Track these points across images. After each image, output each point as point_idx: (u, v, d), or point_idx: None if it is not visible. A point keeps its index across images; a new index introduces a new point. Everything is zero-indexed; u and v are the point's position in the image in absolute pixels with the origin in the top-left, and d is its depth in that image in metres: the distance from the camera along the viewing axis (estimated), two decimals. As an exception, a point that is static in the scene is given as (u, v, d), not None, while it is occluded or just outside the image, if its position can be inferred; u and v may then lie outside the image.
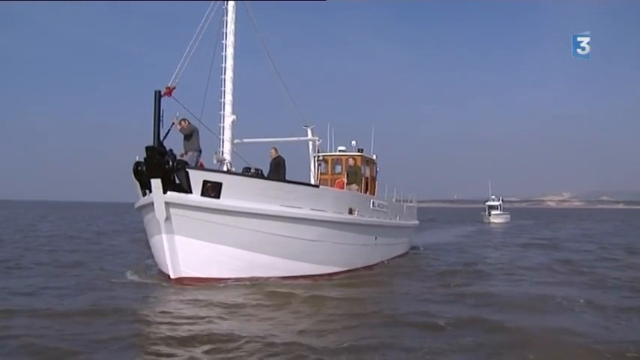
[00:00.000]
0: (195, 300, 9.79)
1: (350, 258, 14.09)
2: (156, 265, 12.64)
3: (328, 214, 12.69)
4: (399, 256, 18.83)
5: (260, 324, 8.32)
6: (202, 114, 13.05)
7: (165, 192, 10.90)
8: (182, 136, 12.38)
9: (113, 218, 53.00)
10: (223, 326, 8.04)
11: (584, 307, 10.04)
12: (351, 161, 16.36)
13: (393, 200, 18.72)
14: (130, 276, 12.56)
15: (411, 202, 22.00)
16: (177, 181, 11.06)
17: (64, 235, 27.13)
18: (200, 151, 12.39)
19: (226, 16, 13.23)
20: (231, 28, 13.26)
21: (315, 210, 12.31)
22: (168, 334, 7.52)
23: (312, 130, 15.30)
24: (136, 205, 12.54)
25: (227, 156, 13.46)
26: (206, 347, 6.92)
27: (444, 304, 10.27)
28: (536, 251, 22.60)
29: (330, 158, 17.85)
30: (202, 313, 8.82)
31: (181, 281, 11.17)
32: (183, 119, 12.31)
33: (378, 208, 15.92)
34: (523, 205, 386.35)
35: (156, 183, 10.85)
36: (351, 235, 13.88)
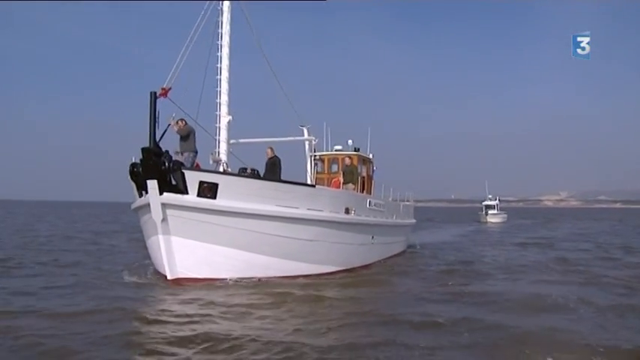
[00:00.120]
0: (192, 300, 9.81)
1: (347, 257, 14.12)
2: (153, 265, 12.65)
3: (325, 214, 12.71)
4: (396, 255, 18.88)
5: (258, 324, 8.34)
6: (198, 115, 13.10)
7: (161, 193, 10.92)
8: (178, 136, 12.40)
9: (112, 218, 52.92)
10: (220, 326, 8.05)
11: (579, 305, 10.09)
12: (347, 160, 16.39)
13: (390, 199, 18.76)
14: (128, 276, 12.56)
15: (407, 201, 22.04)
16: (174, 182, 11.08)
17: (63, 235, 27.08)
18: (196, 152, 12.42)
19: (221, 16, 13.24)
20: (226, 28, 13.26)
21: (311, 210, 12.34)
22: (165, 334, 7.54)
23: (308, 129, 15.33)
24: (133, 207, 12.55)
25: (223, 156, 13.47)
26: (203, 347, 6.94)
27: (441, 303, 10.33)
28: (532, 250, 22.69)
29: (326, 157, 17.87)
30: (199, 313, 8.83)
31: (178, 282, 11.18)
32: (181, 119, 12.34)
33: (374, 208, 15.96)
34: (520, 204, 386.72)
35: (152, 184, 10.87)
36: (348, 235, 13.91)
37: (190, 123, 12.58)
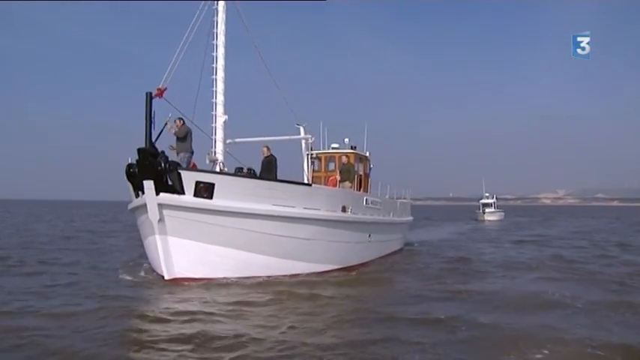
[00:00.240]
0: (190, 299, 9.86)
1: (344, 256, 14.16)
2: (151, 265, 12.68)
3: (321, 213, 12.75)
4: (393, 253, 18.94)
5: (256, 322, 8.37)
6: (194, 114, 13.10)
7: (157, 193, 10.94)
8: (174, 136, 12.43)
9: (111, 217, 52.82)
10: (218, 325, 8.09)
11: (575, 302, 10.17)
12: (344, 159, 16.42)
13: (387, 197, 18.80)
14: (126, 276, 12.58)
15: (404, 198, 22.09)
16: (170, 183, 11.11)
17: (61, 235, 27.06)
18: (192, 153, 12.44)
19: (217, 16, 13.24)
20: (221, 28, 13.26)
21: (308, 209, 12.37)
22: (164, 332, 7.59)
23: (304, 128, 15.35)
24: (130, 207, 12.56)
25: (219, 156, 13.48)
26: (202, 345, 6.99)
27: (438, 301, 10.41)
28: (529, 248, 22.76)
29: (323, 156, 17.90)
30: (197, 311, 8.87)
31: (176, 282, 11.21)
32: (179, 118, 12.37)
33: (371, 206, 15.99)
34: (518, 202, 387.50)
35: (148, 184, 10.89)
36: (345, 233, 13.94)
37: (187, 123, 12.63)
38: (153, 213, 11.03)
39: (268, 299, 10.11)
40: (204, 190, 11.15)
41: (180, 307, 9.23)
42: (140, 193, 11.43)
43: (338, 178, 15.62)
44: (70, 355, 6.59)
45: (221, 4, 13.28)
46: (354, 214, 14.30)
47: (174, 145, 12.50)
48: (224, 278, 11.48)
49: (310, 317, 8.83)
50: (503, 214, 60.94)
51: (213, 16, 13.21)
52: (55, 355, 6.62)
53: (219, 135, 13.49)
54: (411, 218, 23.44)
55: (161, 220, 11.09)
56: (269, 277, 11.92)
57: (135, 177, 11.37)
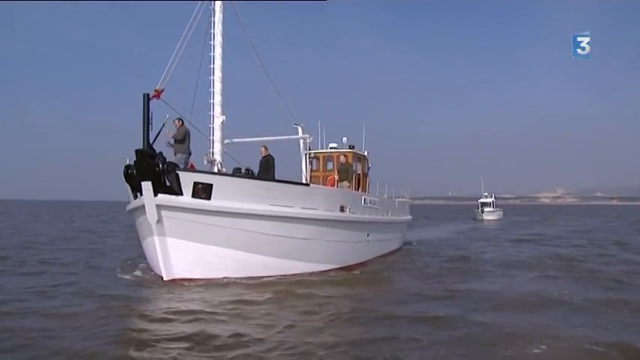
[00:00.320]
0: (189, 299, 9.87)
1: (342, 255, 14.17)
2: (149, 265, 12.69)
3: (319, 213, 12.77)
4: (392, 252, 18.97)
5: (255, 322, 8.35)
6: (192, 115, 13.09)
7: (156, 194, 10.96)
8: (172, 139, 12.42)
9: (111, 217, 52.80)
10: (217, 325, 8.11)
11: (572, 301, 10.23)
12: (342, 158, 16.44)
13: (385, 196, 18.83)
14: (125, 275, 12.61)
15: (403, 197, 22.11)
16: (168, 184, 11.13)
17: (60, 235, 27.02)
18: (189, 154, 12.45)
19: (214, 16, 13.24)
20: (218, 28, 13.25)
21: (306, 208, 12.39)
22: (163, 332, 7.61)
23: (302, 128, 15.35)
24: (128, 208, 12.57)
25: (217, 157, 13.47)
26: (201, 345, 7.01)
27: (436, 300, 10.45)
28: (527, 247, 22.81)
29: (321, 155, 17.91)
30: (196, 312, 8.87)
31: (174, 283, 11.23)
32: (178, 119, 12.37)
33: (369, 205, 16.02)
34: (517, 201, 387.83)
35: (146, 186, 10.92)
36: (343, 233, 13.96)
37: (185, 124, 12.63)
38: (151, 214, 11.05)
39: (267, 299, 10.13)
40: (202, 191, 11.17)
41: (180, 306, 9.25)
42: (138, 194, 11.43)
43: (336, 177, 15.63)
44: (72, 355, 6.62)
45: (218, 4, 13.28)
46: (352, 213, 14.32)
47: (174, 148, 12.49)
48: (223, 278, 11.48)
49: (309, 316, 8.85)
50: (501, 213, 60.99)
51: (210, 17, 13.22)
52: (56, 355, 6.65)
53: (217, 135, 13.48)
54: (409, 217, 23.48)
55: (159, 221, 11.11)
56: (268, 277, 11.92)
57: (133, 178, 11.38)
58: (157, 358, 6.56)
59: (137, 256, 15.07)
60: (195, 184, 11.14)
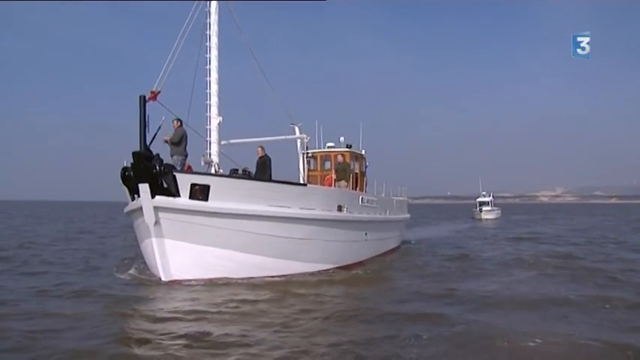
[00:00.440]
0: (188, 299, 9.92)
1: (340, 255, 14.19)
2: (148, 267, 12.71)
3: (317, 212, 12.79)
4: (390, 251, 19.02)
5: (255, 322, 8.37)
6: (189, 116, 13.08)
7: (153, 196, 10.99)
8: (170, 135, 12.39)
9: (110, 218, 52.83)
10: (218, 325, 8.13)
11: (569, 299, 10.32)
12: (340, 158, 16.47)
13: (383, 195, 18.85)
14: (125, 276, 12.66)
15: (401, 196, 22.15)
16: (165, 185, 11.15)
17: (62, 236, 27.03)
18: (186, 156, 12.45)
19: (209, 17, 13.26)
20: (214, 29, 13.26)
21: (303, 209, 12.41)
22: (163, 332, 7.67)
23: (299, 127, 15.38)
24: (126, 210, 12.59)
25: (214, 158, 13.51)
26: (203, 346, 7.03)
27: (436, 298, 10.51)
28: (525, 245, 22.87)
29: (319, 155, 17.94)
30: (196, 312, 8.91)
31: (172, 283, 11.25)
32: (177, 119, 12.36)
33: (367, 204, 16.05)
34: (516, 200, 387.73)
35: (144, 188, 10.95)
36: (341, 232, 13.99)
37: (182, 125, 12.62)
38: (149, 216, 11.08)
39: (266, 299, 10.17)
40: (200, 192, 11.20)
41: (179, 307, 9.29)
42: (136, 196, 11.46)
43: (334, 177, 15.66)
44: (73, 355, 6.68)
45: (213, 5, 13.28)
46: (349, 213, 14.35)
47: (170, 149, 12.48)
48: (221, 279, 11.49)
49: (309, 316, 8.88)
50: (500, 212, 61.05)
51: (206, 18, 13.24)
52: (58, 355, 6.70)
53: (214, 136, 13.50)
54: (407, 215, 23.53)
55: (157, 222, 11.14)
56: (266, 277, 11.94)
57: (130, 180, 11.42)
58: (157, 357, 6.60)
59: (136, 256, 15.09)
60: (193, 185, 11.17)
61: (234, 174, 13.21)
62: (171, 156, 12.17)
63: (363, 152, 19.19)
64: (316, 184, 16.05)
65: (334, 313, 9.12)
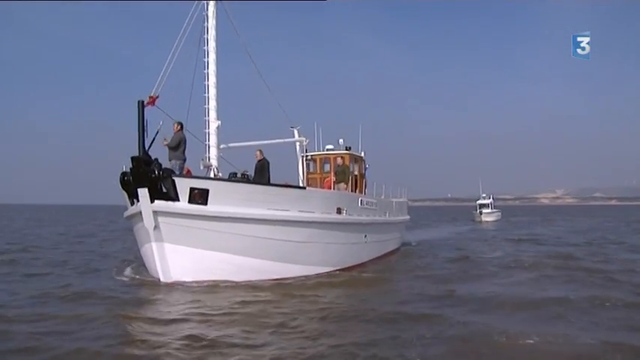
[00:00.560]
0: (187, 303, 9.90)
1: (340, 257, 14.20)
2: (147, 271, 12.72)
3: (316, 215, 12.81)
4: (390, 253, 19.01)
5: (256, 325, 8.35)
6: (187, 120, 13.11)
7: (152, 201, 11.03)
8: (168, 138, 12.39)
9: (111, 221, 52.82)
10: (219, 327, 8.16)
11: (571, 299, 10.34)
12: (339, 160, 16.49)
13: (382, 197, 18.88)
14: (125, 279, 12.71)
15: (401, 197, 22.17)
16: (164, 190, 11.17)
17: (63, 239, 27.02)
18: (184, 160, 12.46)
19: (207, 22, 13.32)
20: (212, 33, 13.34)
21: (302, 212, 12.43)
22: (164, 334, 7.72)
23: (298, 130, 15.40)
24: (125, 215, 12.63)
25: (214, 161, 13.54)
26: (204, 348, 7.05)
27: (436, 300, 10.53)
28: (525, 247, 22.86)
29: (318, 157, 17.94)
30: (195, 315, 8.92)
31: (173, 286, 11.24)
32: (177, 123, 12.38)
33: (366, 206, 16.06)
34: (517, 202, 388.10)
35: (143, 192, 10.99)
36: (341, 235, 14.00)
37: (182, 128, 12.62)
38: (148, 220, 11.11)
39: (267, 301, 10.18)
40: (199, 196, 11.22)
41: (181, 310, 9.31)
42: (135, 200, 11.49)
43: (333, 179, 15.69)
44: (80, 356, 6.74)
45: (211, 8, 13.35)
46: (349, 215, 14.36)
47: (168, 154, 12.49)
48: (221, 282, 11.48)
49: (310, 318, 8.90)
50: (500, 214, 60.97)
51: (204, 22, 13.29)
52: (65, 356, 6.77)
53: (213, 140, 13.54)
54: (407, 217, 23.55)
55: (156, 227, 11.17)
56: (266, 280, 11.94)
57: (129, 185, 11.45)
58: (160, 359, 6.63)
59: (135, 259, 15.11)
60: (192, 189, 11.19)
61: (233, 178, 13.22)
62: (170, 160, 12.20)
63: (363, 154, 19.19)
64: (316, 186, 16.08)
65: (335, 314, 9.14)
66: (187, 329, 7.94)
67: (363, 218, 15.69)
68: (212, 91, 13.35)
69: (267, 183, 12.79)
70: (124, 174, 11.54)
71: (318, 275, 13.07)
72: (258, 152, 13.72)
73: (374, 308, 9.66)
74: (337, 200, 14.07)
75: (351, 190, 16.33)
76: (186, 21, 12.82)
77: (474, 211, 58.87)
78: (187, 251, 11.30)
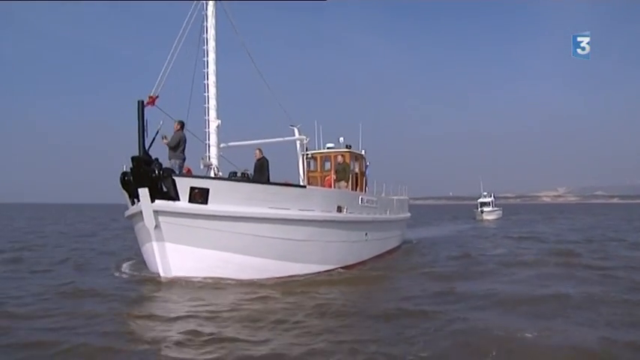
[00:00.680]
0: (189, 301, 9.92)
1: (341, 255, 14.22)
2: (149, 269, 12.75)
3: (317, 214, 12.83)
4: (391, 250, 19.05)
5: (259, 323, 8.35)
6: (188, 120, 13.12)
7: (153, 200, 11.07)
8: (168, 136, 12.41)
9: (112, 219, 52.93)
10: (221, 326, 8.17)
11: (571, 295, 10.40)
12: (339, 158, 16.50)
13: (383, 194, 18.89)
14: (127, 277, 12.78)
15: (401, 195, 22.18)
16: (165, 189, 11.21)
17: (65, 238, 27.15)
18: (184, 159, 12.48)
19: (206, 21, 13.34)
20: (211, 33, 13.35)
21: (303, 210, 12.44)
22: (165, 332, 7.76)
23: (298, 129, 15.42)
24: (126, 214, 12.67)
25: (214, 161, 13.56)
26: (206, 346, 7.08)
27: (436, 297, 10.58)
28: (526, 245, 22.86)
29: (319, 156, 17.97)
30: (196, 313, 8.92)
31: (174, 283, 11.26)
32: (178, 122, 12.40)
33: (367, 204, 16.08)
34: (518, 201, 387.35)
35: (143, 192, 11.03)
36: (341, 233, 14.02)
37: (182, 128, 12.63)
38: (149, 220, 11.15)
39: (269, 299, 10.21)
40: (199, 196, 11.25)
41: (184, 308, 9.33)
42: (136, 200, 11.53)
43: (333, 177, 15.70)
44: (88, 351, 6.81)
45: (210, 7, 13.37)
46: (349, 213, 14.38)
47: (168, 154, 12.51)
48: (222, 281, 11.49)
49: (312, 315, 8.93)
50: (501, 212, 60.98)
51: (203, 22, 13.32)
52: (73, 351, 6.84)
53: (213, 139, 13.56)
54: (408, 215, 23.58)
55: (157, 226, 11.21)
56: (267, 279, 11.96)
57: (130, 185, 11.49)
58: (166, 355, 6.68)
59: (136, 256, 15.16)
60: (192, 188, 11.22)
61: (233, 177, 13.24)
62: (169, 159, 12.22)
63: (363, 152, 19.21)
64: (316, 185, 16.11)
65: (337, 311, 9.18)
66: (189, 325, 8.01)
67: (364, 216, 15.71)
68: (212, 91, 13.37)
69: (267, 182, 12.81)
70: (124, 174, 11.59)
71: (319, 274, 13.10)
72: (257, 151, 13.73)
73: (375, 305, 9.75)
74: (337, 198, 14.09)
75: (352, 189, 16.35)
76: (186, 21, 12.86)
77: (475, 210, 58.87)
78: (188, 250, 11.33)
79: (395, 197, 20.62)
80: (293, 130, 15.43)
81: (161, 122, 12.00)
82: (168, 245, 11.32)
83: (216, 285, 11.28)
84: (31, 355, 6.74)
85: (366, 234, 15.88)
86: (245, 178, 12.92)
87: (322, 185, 16.11)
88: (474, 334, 7.62)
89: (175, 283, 11.30)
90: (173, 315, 8.73)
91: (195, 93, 13.44)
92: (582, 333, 7.57)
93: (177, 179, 11.24)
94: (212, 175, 13.18)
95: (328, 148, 17.96)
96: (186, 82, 13.29)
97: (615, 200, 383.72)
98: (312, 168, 17.63)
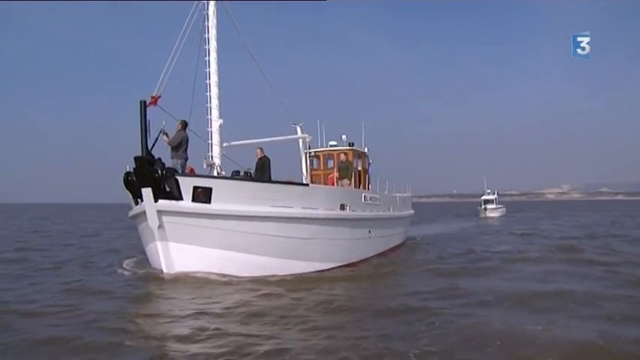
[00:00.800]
0: (193, 300, 9.93)
1: (345, 253, 14.24)
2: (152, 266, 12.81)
3: (320, 212, 12.85)
4: (395, 248, 19.06)
5: (262, 322, 8.34)
6: (190, 119, 13.15)
7: (156, 200, 11.12)
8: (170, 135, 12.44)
9: (115, 218, 53.14)
10: (225, 324, 8.17)
11: (575, 291, 10.37)
12: (342, 156, 16.54)
13: (386, 192, 18.89)
14: (131, 274, 12.82)
15: (405, 192, 22.19)
16: (168, 189, 11.26)
17: (68, 237, 27.18)
18: (186, 159, 12.52)
19: (207, 20, 13.37)
20: (213, 32, 13.38)
21: (306, 208, 12.47)
22: (168, 330, 7.80)
23: (301, 127, 15.45)
24: (130, 214, 12.74)
25: (216, 160, 13.60)
26: (208, 345, 7.10)
27: (440, 293, 10.60)
28: (530, 241, 22.82)
29: (321, 154, 18.01)
30: (201, 312, 8.92)
31: (178, 280, 11.29)
32: (181, 121, 12.43)
33: (370, 202, 16.09)
34: (522, 198, 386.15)
35: (147, 192, 11.08)
36: (345, 231, 14.04)
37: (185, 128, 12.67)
38: (152, 220, 11.21)
39: (273, 296, 10.23)
40: (202, 195, 11.29)
41: (187, 304, 9.39)
42: (139, 200, 11.58)
43: (336, 175, 15.72)
44: (100, 347, 6.90)
45: (211, 7, 13.40)
46: (352, 211, 14.40)
47: (170, 154, 12.55)
48: (226, 280, 11.50)
49: (317, 312, 8.96)
50: (504, 209, 60.85)
51: (204, 21, 13.35)
52: (86, 346, 6.95)
53: (215, 139, 13.59)
54: (412, 212, 23.59)
55: (161, 226, 11.27)
56: (271, 277, 11.97)
57: (133, 185, 11.55)
58: (175, 352, 6.74)
59: (140, 254, 15.22)
60: (195, 188, 11.27)
61: (235, 176, 13.29)
62: (171, 159, 12.27)
63: (366, 150, 19.25)
64: (319, 183, 16.14)
65: (342, 308, 9.22)
66: (194, 321, 8.09)
67: (367, 214, 15.73)
68: (214, 90, 13.40)
69: (269, 180, 12.84)
70: (127, 174, 11.65)
71: (322, 271, 13.11)
72: (258, 150, 13.77)
73: (380, 301, 9.79)
74: (341, 196, 14.11)
75: (355, 186, 16.37)
76: (187, 20, 12.88)
77: (479, 207, 58.77)
78: (192, 249, 11.38)
79: (398, 194, 20.63)
80: (295, 128, 15.45)
81: (164, 122, 12.06)
82: (172, 245, 11.38)
83: (221, 282, 11.31)
84: (42, 351, 6.81)
85: (370, 231, 15.89)
86: (248, 177, 12.97)
87: (325, 183, 16.14)
88: (479, 329, 7.67)
89: (179, 280, 11.33)
90: (179, 311, 8.81)
91: (197, 92, 13.50)
92: (585, 328, 7.61)
93: (180, 179, 11.29)
94: (215, 174, 13.22)
95: (331, 146, 18.00)
96: (188, 82, 13.33)
97: (620, 197, 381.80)
98: (315, 166, 17.68)
